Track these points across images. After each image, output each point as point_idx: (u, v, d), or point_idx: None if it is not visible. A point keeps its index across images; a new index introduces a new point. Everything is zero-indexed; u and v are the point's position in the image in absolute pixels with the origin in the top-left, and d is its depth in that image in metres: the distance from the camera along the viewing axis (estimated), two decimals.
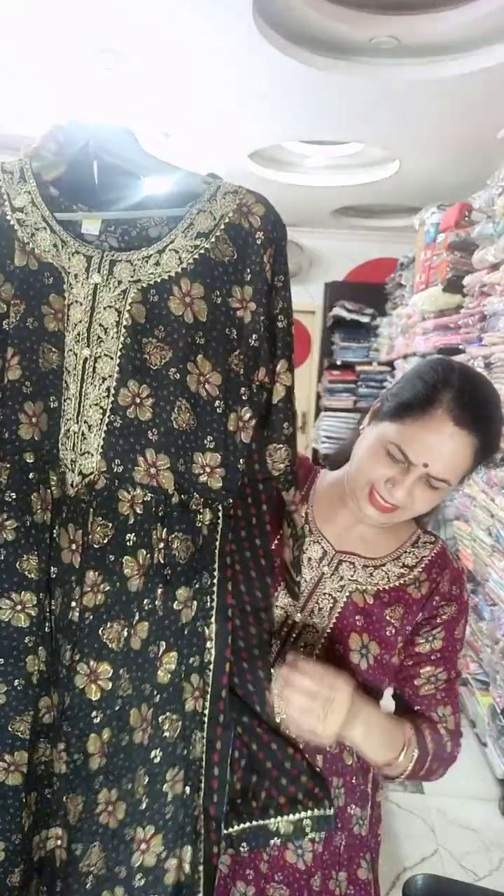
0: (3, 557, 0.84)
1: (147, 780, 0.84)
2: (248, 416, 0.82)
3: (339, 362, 6.25)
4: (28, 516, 0.84)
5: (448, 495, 3.36)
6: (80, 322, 0.83)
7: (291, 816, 0.92)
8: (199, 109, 3.68)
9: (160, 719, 0.83)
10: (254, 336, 0.80)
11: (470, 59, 3.03)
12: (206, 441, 0.81)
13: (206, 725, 0.85)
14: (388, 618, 1.05)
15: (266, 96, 3.48)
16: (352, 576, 1.08)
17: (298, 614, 1.06)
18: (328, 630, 1.05)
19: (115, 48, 3.01)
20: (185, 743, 0.84)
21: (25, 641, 0.85)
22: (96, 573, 0.82)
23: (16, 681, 0.85)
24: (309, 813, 0.93)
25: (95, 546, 0.82)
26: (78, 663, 0.83)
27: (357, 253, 6.42)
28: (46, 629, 0.87)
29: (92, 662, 0.83)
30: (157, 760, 0.84)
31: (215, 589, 0.84)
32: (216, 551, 0.84)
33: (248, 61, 3.08)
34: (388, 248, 6.04)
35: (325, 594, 1.07)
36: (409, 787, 2.77)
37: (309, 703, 0.90)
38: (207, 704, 0.85)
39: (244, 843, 0.96)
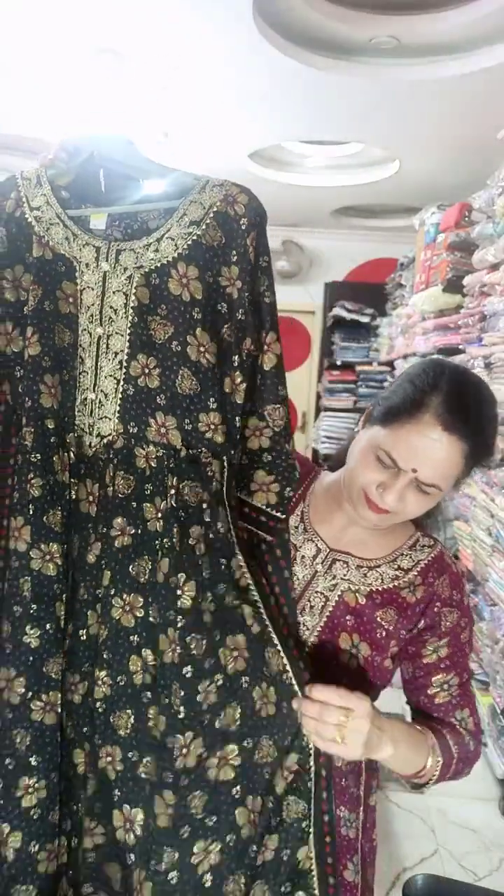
0: (31, 512, 0.94)
1: (182, 693, 0.91)
2: (239, 380, 0.92)
3: (339, 362, 6.25)
4: (51, 475, 0.95)
5: (448, 495, 3.36)
6: (93, 305, 0.93)
7: None
8: (199, 109, 3.67)
9: (187, 640, 0.90)
10: (240, 310, 0.90)
11: (470, 59, 3.03)
12: (208, 402, 0.90)
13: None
14: (378, 619, 1.05)
15: (266, 96, 3.48)
16: (344, 575, 1.08)
17: None
18: (318, 628, 1.05)
19: (115, 48, 3.01)
20: (213, 657, 0.92)
21: (54, 588, 0.95)
22: (123, 519, 0.93)
23: (47, 625, 0.95)
24: None
25: (121, 496, 0.93)
26: (113, 597, 0.93)
27: (357, 253, 6.42)
28: (68, 577, 0.97)
29: (125, 595, 0.93)
30: (188, 676, 0.91)
31: (232, 530, 0.94)
32: (224, 496, 0.94)
33: (248, 61, 3.07)
34: (388, 248, 6.04)
35: (317, 592, 1.07)
36: (410, 787, 2.77)
37: (322, 728, 0.89)
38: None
39: None
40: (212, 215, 0.89)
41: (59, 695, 0.96)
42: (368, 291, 6.06)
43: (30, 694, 0.94)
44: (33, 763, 0.93)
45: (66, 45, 2.99)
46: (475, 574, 2.98)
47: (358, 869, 1.11)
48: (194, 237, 0.88)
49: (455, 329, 3.38)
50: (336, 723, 0.88)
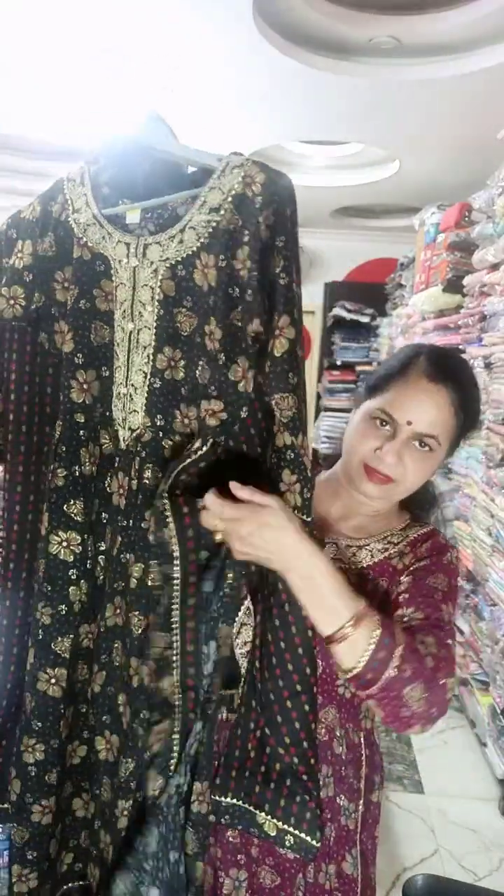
0: (54, 500, 0.98)
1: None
2: (246, 365, 0.89)
3: (339, 362, 6.26)
4: (76, 467, 0.98)
5: (448, 495, 3.36)
6: (125, 301, 0.95)
7: (279, 824, 0.96)
8: (199, 109, 3.68)
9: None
10: (248, 291, 0.86)
11: (470, 59, 3.03)
12: (209, 389, 0.89)
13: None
14: (371, 592, 1.07)
15: (266, 96, 3.48)
16: (334, 555, 1.11)
17: None
18: None
19: (116, 48, 3.01)
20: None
21: (69, 574, 0.99)
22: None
23: (60, 606, 0.99)
24: (295, 832, 0.95)
25: (152, 489, 0.93)
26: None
27: (357, 253, 6.42)
28: (88, 566, 1.00)
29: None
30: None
31: (167, 502, 0.89)
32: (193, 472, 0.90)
33: (248, 61, 3.08)
34: (388, 248, 6.04)
35: None
36: (409, 788, 2.78)
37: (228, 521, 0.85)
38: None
39: (227, 817, 0.98)
40: (230, 199, 0.86)
41: (66, 672, 0.99)
42: (368, 291, 6.06)
43: (38, 665, 0.99)
44: (34, 727, 0.99)
45: (66, 45, 2.99)
46: (475, 574, 2.98)
47: (357, 864, 1.11)
48: (213, 224, 0.87)
49: (455, 329, 3.38)
50: (212, 528, 0.86)
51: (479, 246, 3.00)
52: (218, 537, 0.88)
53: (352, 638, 0.85)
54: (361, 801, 1.12)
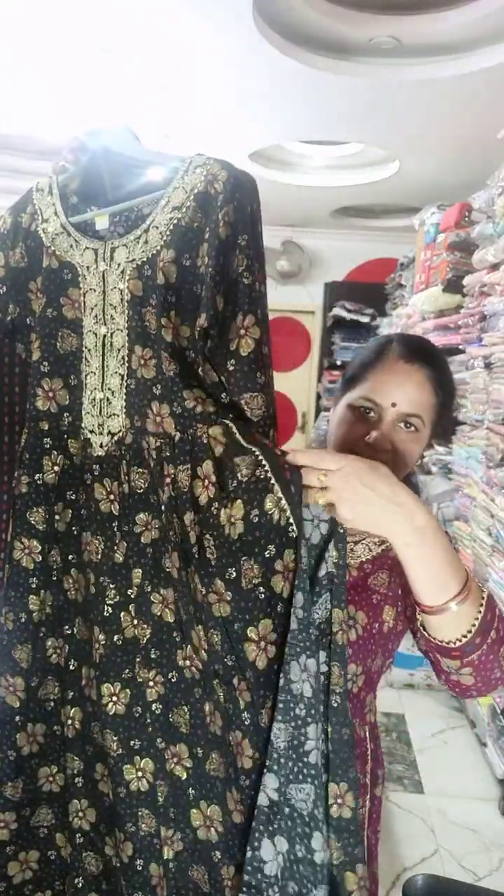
0: (18, 506, 0.98)
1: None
2: (200, 359, 0.89)
3: (339, 362, 6.25)
4: (39, 475, 0.98)
5: (448, 495, 3.36)
6: (96, 306, 0.95)
7: None
8: (199, 109, 3.68)
9: (213, 639, 0.87)
10: (202, 286, 0.87)
11: (470, 59, 3.03)
12: (189, 380, 0.89)
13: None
14: (372, 585, 1.07)
15: (266, 96, 3.48)
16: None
17: None
18: None
19: (116, 48, 3.01)
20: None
21: (30, 582, 0.99)
22: (146, 514, 0.93)
23: (21, 613, 0.98)
24: None
25: (139, 491, 0.93)
26: (150, 594, 0.94)
27: (357, 253, 6.42)
28: (53, 577, 1.00)
29: (161, 590, 0.93)
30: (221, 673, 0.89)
31: (266, 463, 0.83)
32: (242, 444, 0.85)
33: (248, 61, 3.08)
34: (388, 248, 6.05)
35: None
36: (409, 788, 2.78)
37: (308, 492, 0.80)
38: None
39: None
40: (192, 197, 0.87)
41: (23, 681, 0.99)
42: (368, 291, 6.06)
43: None
44: None
45: (66, 45, 2.99)
46: (475, 574, 2.98)
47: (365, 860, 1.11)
48: (174, 221, 0.87)
49: (455, 329, 3.38)
50: (317, 486, 0.81)
51: (479, 246, 2.99)
52: (322, 500, 0.80)
53: (472, 596, 0.84)
54: (368, 797, 1.11)
